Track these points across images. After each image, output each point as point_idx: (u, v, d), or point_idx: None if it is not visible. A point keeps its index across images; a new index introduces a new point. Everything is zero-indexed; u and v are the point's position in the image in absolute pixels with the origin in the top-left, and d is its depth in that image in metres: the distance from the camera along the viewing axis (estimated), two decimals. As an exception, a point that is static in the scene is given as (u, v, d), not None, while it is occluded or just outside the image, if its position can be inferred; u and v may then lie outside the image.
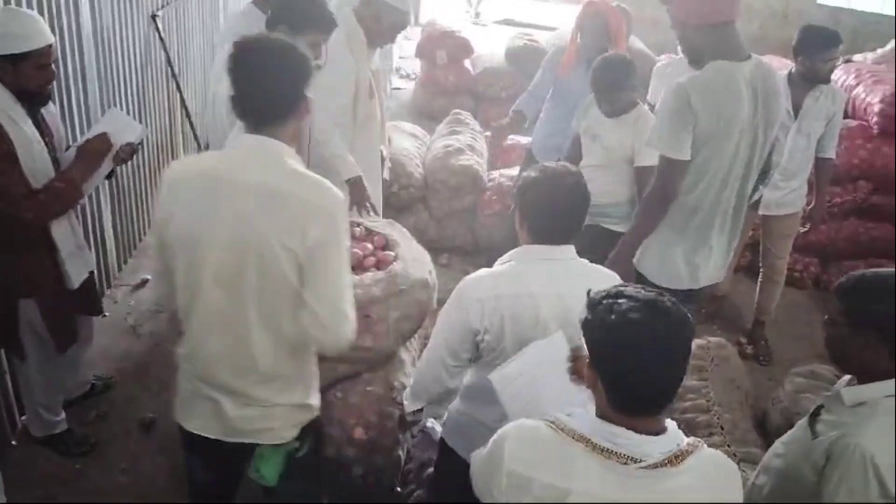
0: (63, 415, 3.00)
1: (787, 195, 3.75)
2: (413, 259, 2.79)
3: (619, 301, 1.32)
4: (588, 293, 1.40)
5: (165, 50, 4.41)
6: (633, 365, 1.29)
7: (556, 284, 1.85)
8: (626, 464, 1.28)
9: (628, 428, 1.30)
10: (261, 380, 1.82)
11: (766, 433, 3.02)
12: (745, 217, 3.68)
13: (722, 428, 2.83)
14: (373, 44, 3.23)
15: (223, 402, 1.84)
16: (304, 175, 1.76)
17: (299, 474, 1.97)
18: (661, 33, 7.61)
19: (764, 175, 2.67)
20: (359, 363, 2.57)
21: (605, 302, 1.34)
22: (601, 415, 1.35)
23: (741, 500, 1.37)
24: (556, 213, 1.87)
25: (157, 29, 4.28)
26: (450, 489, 2.12)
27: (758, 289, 4.16)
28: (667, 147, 2.45)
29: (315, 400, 1.98)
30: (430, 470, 2.32)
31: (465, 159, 4.65)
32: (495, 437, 1.46)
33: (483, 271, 1.93)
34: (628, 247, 2.67)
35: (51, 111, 2.66)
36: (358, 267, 2.70)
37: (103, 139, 2.66)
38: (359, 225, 2.93)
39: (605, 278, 1.93)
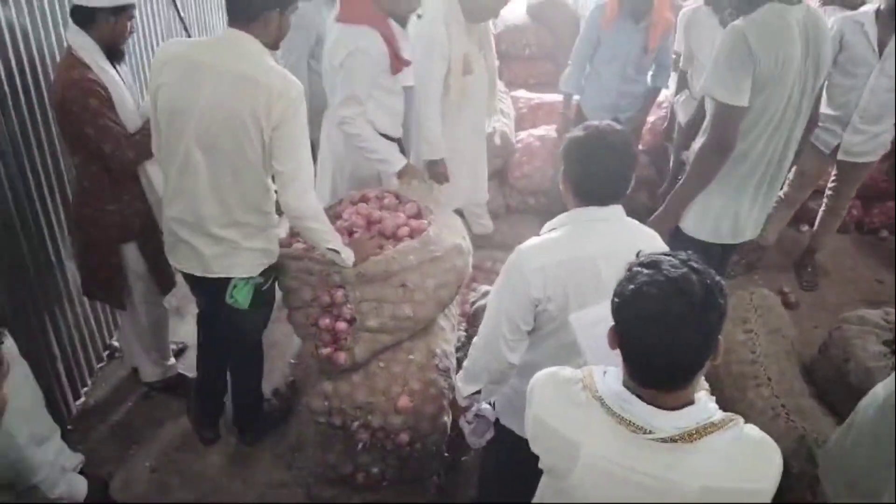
0: (173, 359, 3.26)
1: (869, 141, 3.57)
2: (446, 225, 2.77)
3: (645, 272, 1.28)
4: (637, 255, 1.37)
5: (186, 28, 4.39)
6: (642, 341, 1.26)
7: (612, 245, 1.82)
8: (635, 433, 1.27)
9: (645, 398, 1.29)
10: (229, 224, 2.38)
11: (815, 382, 2.97)
12: (817, 166, 3.64)
13: (769, 379, 2.79)
14: (471, 20, 3.24)
15: (199, 243, 2.41)
16: (272, 66, 2.22)
17: (264, 301, 2.62)
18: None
19: (812, 125, 2.63)
20: (399, 332, 2.57)
21: (633, 269, 1.31)
22: (623, 380, 1.34)
23: (764, 486, 1.27)
24: (602, 173, 1.83)
25: (176, 6, 4.27)
26: (506, 468, 2.15)
27: (817, 221, 4.11)
28: (726, 93, 2.37)
29: (274, 246, 2.55)
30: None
31: (493, 121, 4.58)
32: (532, 379, 1.49)
33: (535, 240, 1.88)
34: (678, 202, 2.61)
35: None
36: (392, 237, 2.69)
37: None
38: (389, 194, 2.92)
39: (650, 238, 1.92)
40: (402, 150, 3.17)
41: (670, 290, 1.23)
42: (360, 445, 2.50)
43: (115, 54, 2.68)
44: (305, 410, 2.67)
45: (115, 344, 3.53)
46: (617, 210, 1.88)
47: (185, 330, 3.65)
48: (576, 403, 1.35)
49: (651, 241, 1.94)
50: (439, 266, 2.60)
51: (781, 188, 2.73)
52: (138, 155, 2.66)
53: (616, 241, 1.83)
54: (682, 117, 3.91)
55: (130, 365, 3.32)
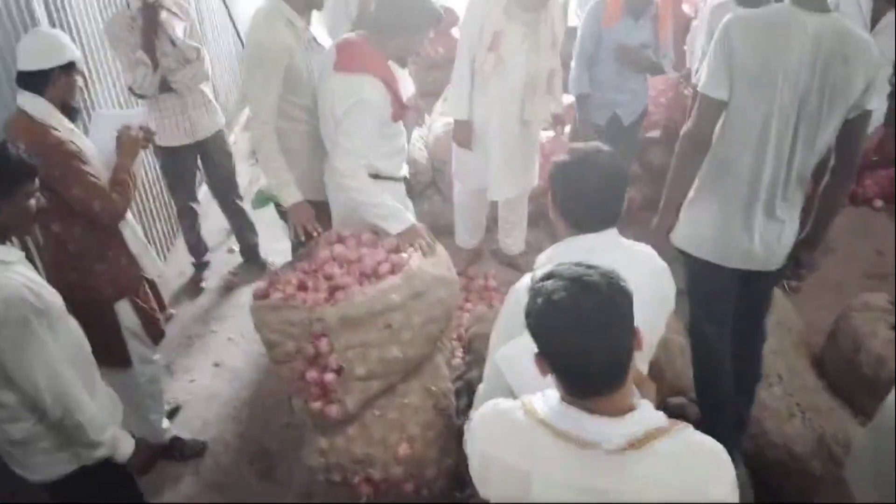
0: (167, 422, 3.19)
1: None
2: (429, 257, 2.67)
3: (546, 283, 1.28)
4: (531, 277, 1.36)
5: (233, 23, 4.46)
6: (568, 348, 1.24)
7: None
8: (585, 448, 1.23)
9: (586, 410, 1.26)
10: None
11: (826, 374, 2.86)
12: None
13: (780, 377, 2.69)
14: (519, 5, 3.30)
15: None
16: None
17: None
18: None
19: (844, 178, 2.36)
20: (390, 376, 2.47)
21: (535, 286, 1.30)
22: (562, 397, 1.31)
23: (725, 490, 1.25)
24: (592, 197, 1.75)
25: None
26: None
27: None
28: (704, 82, 2.28)
29: None
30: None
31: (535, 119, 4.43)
32: (474, 417, 1.48)
33: (526, 278, 1.76)
34: (666, 204, 2.50)
35: None
36: (373, 275, 2.58)
37: (130, 129, 2.78)
38: (367, 230, 2.80)
39: (649, 258, 1.84)
40: (409, 190, 3.05)
41: (576, 289, 1.24)
42: (364, 498, 2.39)
43: (70, 111, 2.64)
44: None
45: None
46: (612, 235, 1.80)
47: (176, 388, 3.55)
48: (520, 430, 1.32)
49: (651, 262, 1.86)
50: (424, 301, 2.49)
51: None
52: (124, 205, 2.66)
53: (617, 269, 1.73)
54: None
55: None
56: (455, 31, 6.52)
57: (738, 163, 2.30)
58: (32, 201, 2.03)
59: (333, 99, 2.69)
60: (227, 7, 5.71)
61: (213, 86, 5.63)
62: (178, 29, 3.53)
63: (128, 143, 2.76)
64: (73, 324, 2.17)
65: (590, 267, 1.29)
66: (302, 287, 2.60)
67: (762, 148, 2.26)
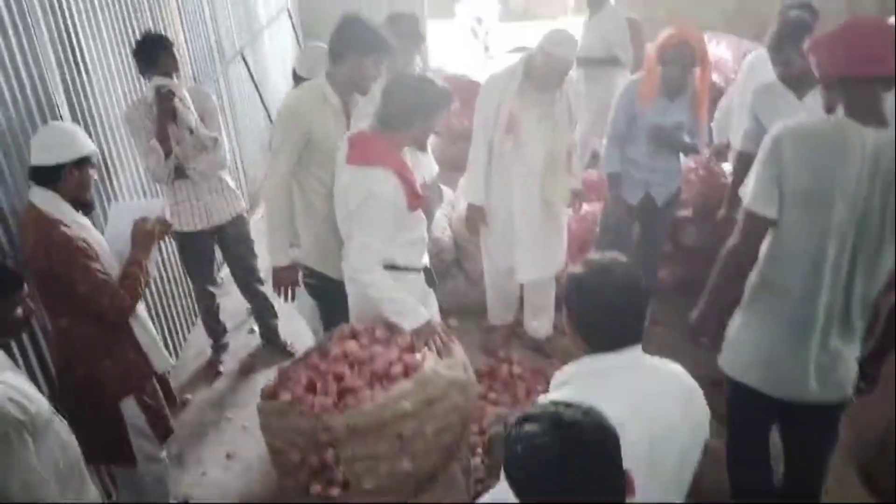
0: None
1: None
2: (445, 357, 2.53)
3: (525, 428, 1.21)
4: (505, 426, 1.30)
5: (256, 86, 4.45)
6: (555, 497, 1.16)
7: (637, 402, 1.57)
8: None
9: None
10: None
11: (877, 489, 2.60)
12: None
13: (826, 491, 2.45)
14: (533, 84, 3.36)
15: None
16: None
17: None
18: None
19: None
20: (400, 491, 2.30)
21: (513, 433, 1.23)
22: None
23: None
24: (612, 315, 1.62)
25: (247, 65, 4.30)
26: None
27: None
28: (750, 199, 2.12)
29: None
30: None
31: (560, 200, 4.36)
32: None
33: (539, 402, 1.63)
34: (705, 306, 2.33)
35: None
36: (384, 377, 2.45)
37: (146, 220, 2.75)
38: (380, 326, 2.68)
39: (677, 377, 1.69)
40: (432, 278, 2.98)
41: (556, 433, 1.18)
42: None
43: (83, 206, 2.63)
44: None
45: None
46: (635, 355, 1.65)
47: (187, 481, 3.41)
48: None
49: (679, 384, 1.69)
50: (438, 408, 2.34)
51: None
52: (133, 302, 2.61)
53: (640, 395, 1.59)
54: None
55: None
56: (482, 104, 6.54)
57: (789, 286, 2.11)
58: (19, 310, 2.00)
59: (347, 192, 2.63)
60: (254, 81, 5.79)
61: (240, 161, 5.69)
62: (192, 118, 3.54)
63: (141, 236, 2.73)
64: (60, 427, 2.12)
65: (572, 408, 1.22)
66: (311, 388, 2.48)
67: (817, 272, 2.06)
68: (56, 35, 3.15)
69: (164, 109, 3.41)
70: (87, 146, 2.59)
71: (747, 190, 2.17)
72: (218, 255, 4.17)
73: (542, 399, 1.59)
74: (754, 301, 2.21)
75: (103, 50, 3.59)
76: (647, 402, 1.58)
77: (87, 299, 2.50)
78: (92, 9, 3.50)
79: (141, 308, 2.76)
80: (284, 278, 3.07)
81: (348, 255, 2.69)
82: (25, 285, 2.04)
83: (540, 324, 4.06)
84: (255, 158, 6.03)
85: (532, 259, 3.72)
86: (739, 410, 2.34)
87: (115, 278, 2.59)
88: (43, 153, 2.51)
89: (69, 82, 3.23)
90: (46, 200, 2.51)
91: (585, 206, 4.45)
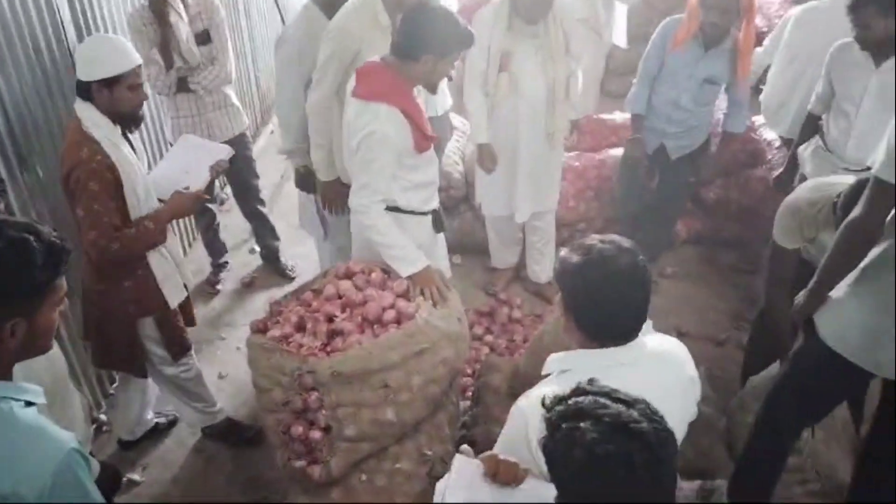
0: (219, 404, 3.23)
1: None
2: (440, 307, 2.45)
3: (581, 426, 1.10)
4: (543, 403, 1.19)
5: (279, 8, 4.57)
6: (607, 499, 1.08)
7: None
8: None
9: None
10: None
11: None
12: None
13: (818, 473, 2.41)
14: (520, 16, 3.22)
15: None
16: None
17: None
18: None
19: None
20: (382, 439, 2.27)
21: (564, 427, 1.12)
22: None
23: None
24: (613, 307, 1.50)
25: None
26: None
27: None
28: (878, 166, 1.90)
29: None
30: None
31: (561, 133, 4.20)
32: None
33: (535, 393, 1.52)
34: (816, 291, 2.18)
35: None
36: (376, 322, 2.38)
37: (196, 197, 2.73)
38: (377, 269, 2.59)
39: (678, 367, 1.61)
40: (440, 222, 2.88)
41: (622, 441, 1.08)
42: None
43: (125, 123, 2.56)
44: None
45: (103, 418, 3.33)
46: (637, 348, 1.53)
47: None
48: None
49: (679, 372, 1.61)
50: (427, 360, 2.28)
51: None
52: (122, 250, 2.51)
53: (645, 390, 1.48)
54: (808, 170, 3.25)
55: (119, 436, 3.20)
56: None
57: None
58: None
59: (350, 128, 2.49)
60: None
61: (254, 71, 5.51)
62: (183, 31, 3.35)
63: (178, 206, 2.70)
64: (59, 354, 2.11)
65: (628, 405, 1.12)
66: (300, 327, 2.43)
67: None
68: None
69: (161, 18, 3.24)
70: (116, 66, 2.44)
71: (876, 156, 1.94)
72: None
73: (550, 386, 1.50)
74: (871, 275, 2.04)
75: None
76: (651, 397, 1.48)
77: (80, 223, 2.45)
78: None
79: (170, 239, 2.72)
80: (331, 192, 3.11)
81: (350, 195, 2.58)
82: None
83: (541, 268, 3.99)
84: (270, 69, 5.82)
85: (532, 195, 3.65)
86: (819, 377, 2.20)
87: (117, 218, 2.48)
88: (79, 66, 2.47)
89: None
90: (86, 114, 2.45)
91: (610, 151, 4.32)
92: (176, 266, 2.79)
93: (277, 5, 5.26)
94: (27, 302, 1.37)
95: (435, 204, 2.84)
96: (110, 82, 2.44)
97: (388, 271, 2.59)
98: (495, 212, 3.81)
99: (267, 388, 2.31)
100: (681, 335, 3.61)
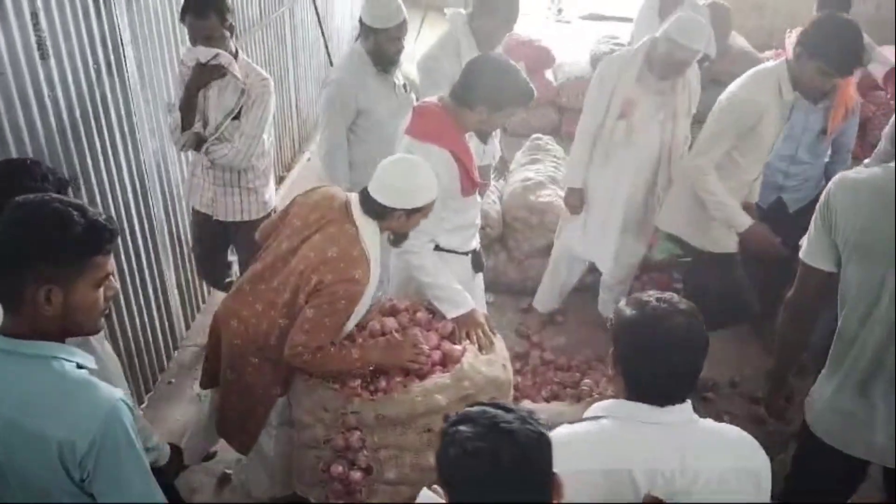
0: None
1: None
2: (486, 352, 2.43)
3: (461, 429, 1.20)
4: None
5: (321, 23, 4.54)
6: (485, 498, 1.17)
7: (659, 459, 1.45)
8: None
9: None
10: None
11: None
12: None
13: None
14: (653, 72, 3.22)
15: None
16: None
17: None
18: (766, 19, 6.79)
19: None
20: (423, 484, 2.22)
21: (448, 433, 1.22)
22: None
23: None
24: (661, 369, 1.47)
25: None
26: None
27: None
28: (803, 250, 2.02)
29: None
30: None
31: (546, 195, 4.23)
32: None
33: (566, 433, 1.51)
34: (774, 378, 2.24)
35: None
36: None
37: (413, 346, 2.38)
38: (422, 307, 2.58)
39: (734, 447, 1.51)
40: (479, 262, 2.89)
41: (492, 438, 1.17)
42: None
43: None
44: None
45: None
46: (681, 412, 1.50)
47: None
48: None
49: (737, 451, 1.52)
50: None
51: None
52: (315, 363, 2.28)
53: (666, 454, 1.46)
54: None
55: None
56: (548, 73, 6.28)
57: (854, 339, 1.97)
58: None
59: None
60: (319, 18, 5.63)
61: (295, 100, 5.56)
62: (214, 100, 3.06)
63: (395, 354, 2.33)
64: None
65: (509, 411, 1.22)
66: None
67: (883, 329, 1.91)
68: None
69: (199, 81, 2.97)
70: (431, 194, 2.28)
71: (803, 241, 2.05)
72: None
73: (565, 431, 1.53)
74: (835, 356, 2.06)
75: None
76: (669, 463, 1.45)
77: (298, 318, 2.26)
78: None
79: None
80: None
81: None
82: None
83: (612, 297, 3.88)
84: (311, 97, 5.90)
85: (619, 249, 3.63)
86: (811, 462, 2.18)
87: None
88: (383, 189, 2.24)
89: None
90: (369, 231, 2.28)
91: None
92: None
93: (326, 47, 5.30)
94: (62, 271, 1.40)
95: (475, 244, 2.85)
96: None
97: (432, 311, 2.58)
98: (579, 254, 3.77)
99: (309, 424, 2.29)
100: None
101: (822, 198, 1.97)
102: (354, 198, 2.30)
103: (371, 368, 2.32)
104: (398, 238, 2.39)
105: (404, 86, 3.38)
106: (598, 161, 3.44)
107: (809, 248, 2.00)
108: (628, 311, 1.53)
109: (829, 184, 1.97)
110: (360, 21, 3.15)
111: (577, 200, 3.55)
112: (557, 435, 1.49)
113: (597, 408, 1.58)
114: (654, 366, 1.48)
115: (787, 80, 2.83)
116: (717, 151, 2.97)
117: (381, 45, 3.10)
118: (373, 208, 2.24)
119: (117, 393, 1.45)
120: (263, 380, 2.37)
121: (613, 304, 3.84)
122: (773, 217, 3.58)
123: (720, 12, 5.47)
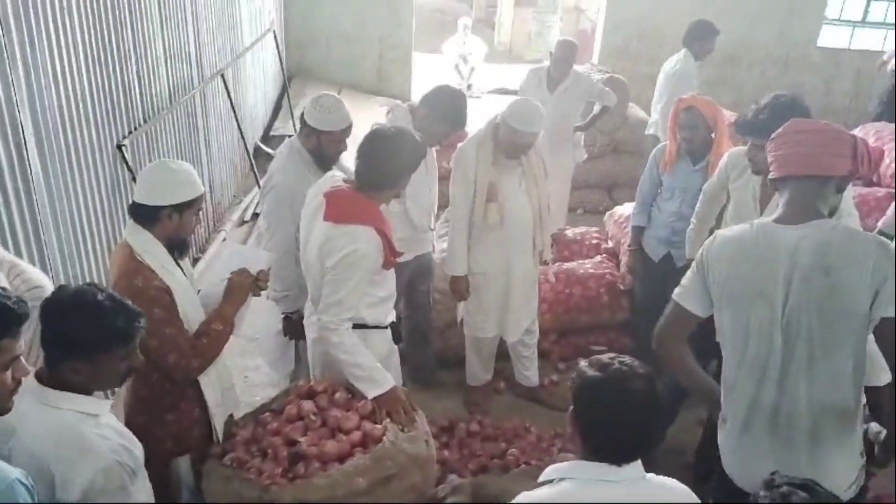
0: None
1: None
2: (407, 429, 2.39)
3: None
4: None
5: (233, 107, 4.26)
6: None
7: None
8: None
9: None
10: None
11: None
12: None
13: None
14: (502, 153, 3.35)
15: None
16: None
17: None
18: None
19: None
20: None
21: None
22: None
23: None
24: (619, 427, 1.56)
25: (125, 160, 3.99)
26: None
27: None
28: (677, 290, 2.18)
29: None
30: None
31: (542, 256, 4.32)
32: None
33: (528, 498, 1.59)
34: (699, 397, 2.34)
35: None
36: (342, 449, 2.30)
37: (244, 273, 2.55)
38: (341, 388, 2.54)
39: (679, 497, 1.61)
40: (398, 333, 2.90)
41: None
42: None
43: (181, 249, 2.44)
44: None
45: None
46: (634, 471, 1.58)
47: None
48: None
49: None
50: (395, 487, 2.21)
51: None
52: (202, 363, 2.39)
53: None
54: None
55: None
56: (461, 145, 6.43)
57: (735, 384, 2.10)
58: (125, 364, 1.83)
59: (322, 250, 2.51)
60: (231, 102, 5.64)
61: (210, 182, 5.50)
62: None
63: (237, 289, 2.50)
64: (144, 475, 1.97)
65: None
66: (261, 451, 2.33)
67: (750, 373, 2.04)
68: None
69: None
70: (195, 189, 2.37)
71: (682, 281, 2.21)
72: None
73: (543, 490, 1.59)
74: (722, 401, 2.17)
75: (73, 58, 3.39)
76: None
77: (155, 353, 2.26)
78: (63, 23, 3.24)
79: (219, 366, 2.51)
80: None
81: (318, 312, 2.56)
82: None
83: (532, 373, 4.01)
84: (223, 179, 5.86)
85: (524, 314, 3.74)
86: None
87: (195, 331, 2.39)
88: (145, 191, 2.32)
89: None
90: (139, 242, 2.31)
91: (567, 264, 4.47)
92: (230, 385, 2.62)
93: (239, 129, 5.21)
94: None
95: (393, 317, 2.87)
96: (183, 206, 2.34)
97: (351, 391, 2.54)
98: (488, 334, 3.79)
99: (223, 518, 2.18)
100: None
101: (700, 250, 2.14)
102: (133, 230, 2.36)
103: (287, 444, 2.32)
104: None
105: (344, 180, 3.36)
106: (478, 244, 3.53)
107: (683, 291, 2.15)
108: (591, 372, 1.59)
109: (707, 239, 2.15)
110: (303, 120, 3.08)
111: (462, 286, 3.61)
112: (522, 500, 1.59)
113: (552, 470, 1.64)
114: (613, 425, 1.55)
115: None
116: None
117: (323, 146, 3.04)
118: (141, 215, 2.33)
119: (14, 473, 1.44)
120: (154, 439, 2.33)
121: (536, 376, 3.98)
122: (663, 270, 3.79)
123: (619, 86, 5.86)
